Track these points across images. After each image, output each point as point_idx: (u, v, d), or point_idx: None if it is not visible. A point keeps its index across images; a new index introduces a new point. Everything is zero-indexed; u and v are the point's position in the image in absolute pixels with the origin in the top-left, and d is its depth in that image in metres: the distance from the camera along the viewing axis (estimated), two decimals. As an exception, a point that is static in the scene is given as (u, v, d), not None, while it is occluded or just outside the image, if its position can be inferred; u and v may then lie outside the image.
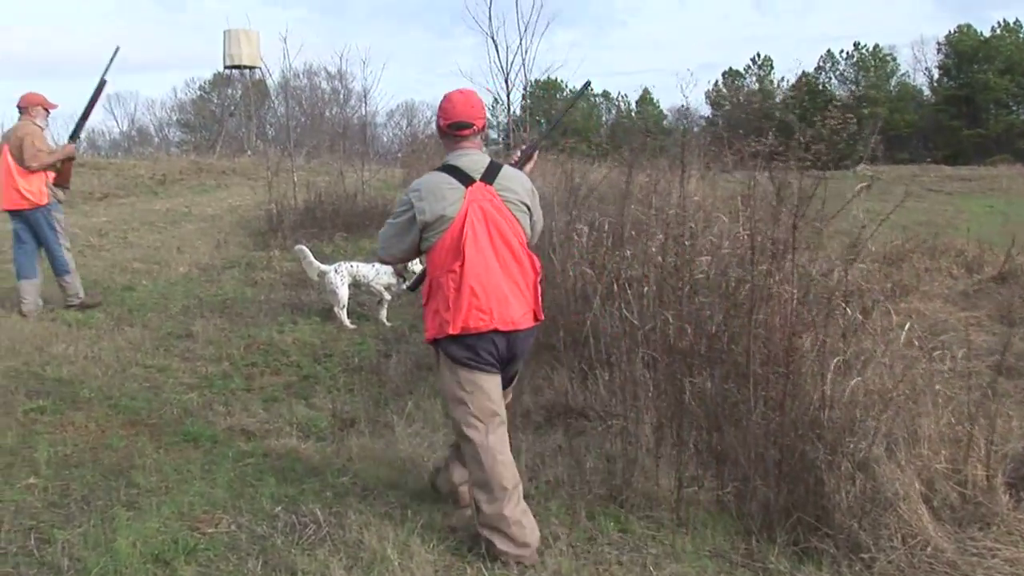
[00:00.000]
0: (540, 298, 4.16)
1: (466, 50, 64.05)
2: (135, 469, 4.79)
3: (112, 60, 8.96)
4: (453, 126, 4.13)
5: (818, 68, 69.42)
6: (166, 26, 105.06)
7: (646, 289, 6.47)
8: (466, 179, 4.04)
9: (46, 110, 8.90)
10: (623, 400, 5.61)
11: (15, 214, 8.73)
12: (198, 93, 62.85)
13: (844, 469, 4.34)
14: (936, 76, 66.44)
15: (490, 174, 4.08)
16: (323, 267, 8.82)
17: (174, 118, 65.20)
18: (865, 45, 68.99)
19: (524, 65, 11.21)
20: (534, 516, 4.06)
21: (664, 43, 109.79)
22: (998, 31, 63.70)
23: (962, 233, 13.11)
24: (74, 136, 9.23)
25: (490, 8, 11.02)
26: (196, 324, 8.32)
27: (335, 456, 5.11)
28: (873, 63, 68.30)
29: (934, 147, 57.21)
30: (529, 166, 4.68)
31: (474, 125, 4.13)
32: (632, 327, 6.33)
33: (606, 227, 7.27)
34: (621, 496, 4.51)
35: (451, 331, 3.95)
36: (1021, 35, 63.26)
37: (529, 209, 4.17)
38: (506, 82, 11.43)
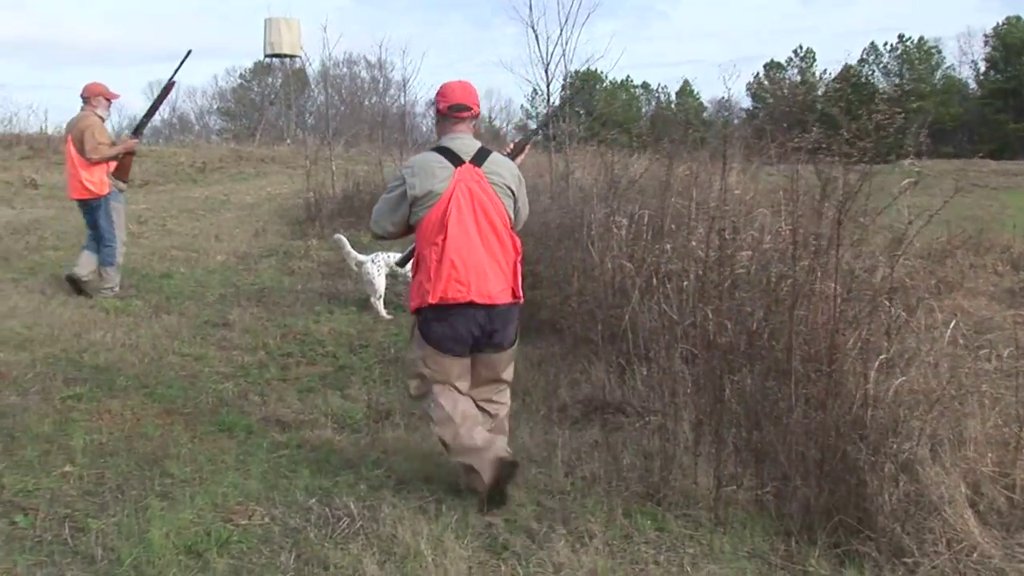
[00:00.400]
0: (520, 278, 4.44)
1: (506, 40, 63.81)
2: (169, 459, 4.78)
3: (183, 63, 9.17)
4: (453, 108, 4.44)
5: (861, 60, 68.58)
6: (208, 14, 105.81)
7: (685, 283, 6.39)
8: (456, 160, 4.34)
9: (107, 100, 9.02)
10: (661, 396, 5.53)
11: (81, 203, 8.94)
12: (239, 81, 63.25)
13: (887, 471, 4.25)
14: (982, 69, 65.41)
15: (480, 157, 4.37)
16: (360, 257, 8.81)
17: (214, 106, 65.70)
18: (910, 37, 68.06)
19: (564, 56, 11.06)
20: (570, 513, 4.18)
21: (705, 34, 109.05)
22: (1049, 23, 62.63)
23: (1008, 229, 12.86)
24: (137, 131, 9.43)
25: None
26: (233, 313, 8.34)
27: (370, 448, 5.07)
28: (918, 56, 67.35)
29: (979, 141, 56.24)
30: (520, 158, 4.90)
31: (471, 108, 4.46)
32: (671, 322, 6.24)
33: (645, 219, 7.19)
34: (658, 494, 4.43)
35: (431, 300, 4.24)
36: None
37: (514, 194, 4.45)
38: (546, 72, 11.31)
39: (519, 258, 4.44)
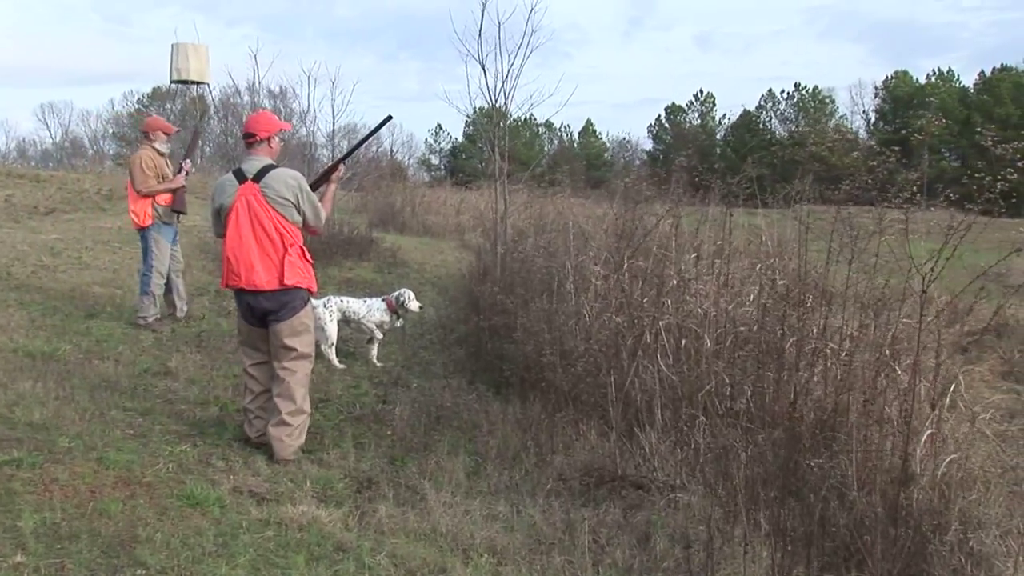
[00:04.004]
0: (286, 268, 5.39)
1: (411, 74, 63.38)
2: (139, 544, 4.07)
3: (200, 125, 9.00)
4: (244, 135, 5.68)
5: (759, 107, 70.37)
6: (109, 38, 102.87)
7: (684, 342, 6.02)
8: (242, 178, 5.44)
9: (166, 134, 9.34)
10: (677, 468, 5.11)
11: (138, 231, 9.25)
12: (136, 106, 61.23)
13: (956, 562, 3.92)
14: (872, 119, 67.79)
15: (260, 175, 5.42)
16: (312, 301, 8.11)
17: (110, 131, 63.56)
18: (805, 86, 70.18)
19: (506, 95, 10.86)
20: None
21: (607, 76, 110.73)
22: (933, 79, 65.40)
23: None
24: (181, 169, 9.30)
25: (480, 36, 10.67)
26: (173, 359, 7.62)
27: (363, 528, 4.50)
28: (812, 104, 69.39)
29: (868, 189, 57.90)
30: (336, 175, 5.94)
31: (256, 135, 5.53)
32: (672, 384, 5.86)
33: (624, 269, 6.81)
34: (706, 587, 3.99)
35: (221, 285, 5.66)
36: (954, 83, 64.95)
37: (292, 202, 5.41)
38: (494, 109, 11.09)
39: (287, 254, 5.39)
